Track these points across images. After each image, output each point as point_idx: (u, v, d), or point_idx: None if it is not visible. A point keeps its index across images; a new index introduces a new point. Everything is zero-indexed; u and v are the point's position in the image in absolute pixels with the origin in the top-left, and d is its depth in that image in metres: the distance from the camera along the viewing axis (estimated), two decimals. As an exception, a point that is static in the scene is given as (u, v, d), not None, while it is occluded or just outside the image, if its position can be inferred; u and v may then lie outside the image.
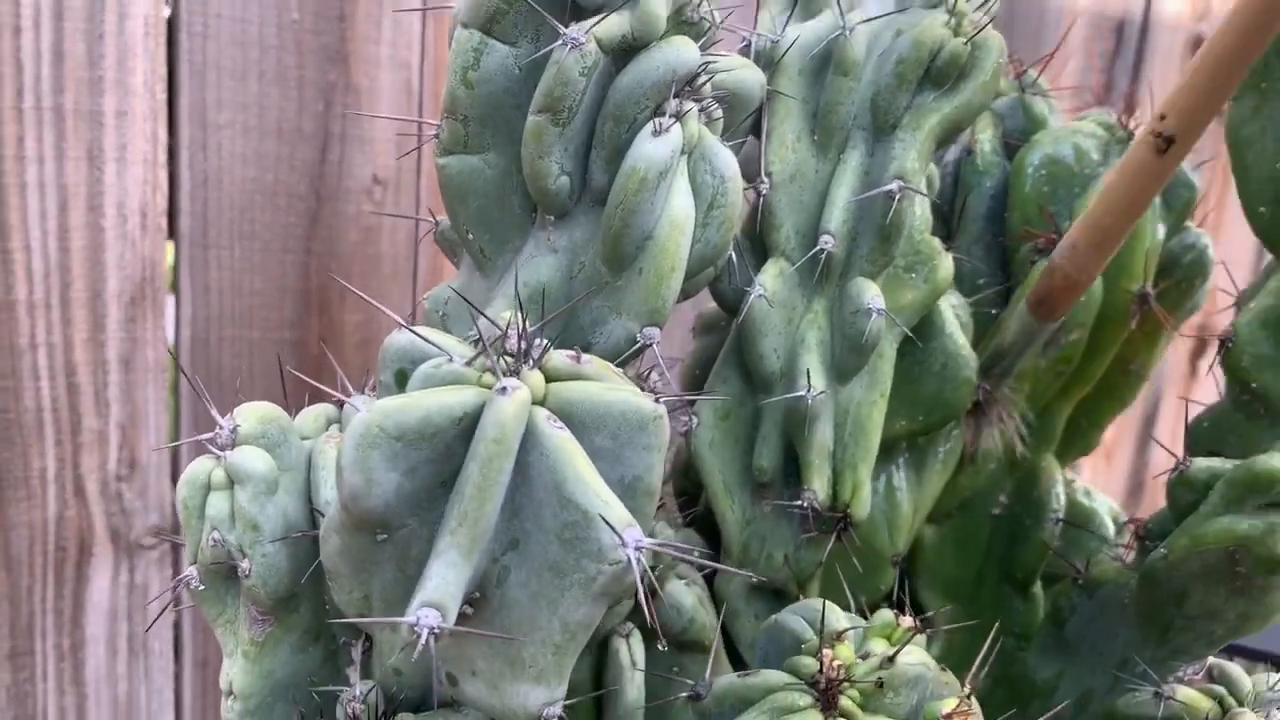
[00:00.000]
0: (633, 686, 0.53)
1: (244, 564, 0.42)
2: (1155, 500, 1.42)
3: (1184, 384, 1.43)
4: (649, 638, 0.54)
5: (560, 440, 0.39)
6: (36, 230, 0.78)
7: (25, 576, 0.83)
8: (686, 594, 0.56)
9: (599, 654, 0.54)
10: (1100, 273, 0.55)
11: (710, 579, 0.59)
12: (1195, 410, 0.59)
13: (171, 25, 0.81)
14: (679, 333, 0.96)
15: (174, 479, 0.88)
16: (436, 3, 0.85)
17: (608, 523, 0.37)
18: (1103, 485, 1.47)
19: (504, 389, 0.38)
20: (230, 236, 0.87)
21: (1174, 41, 1.44)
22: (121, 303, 0.84)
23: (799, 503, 0.54)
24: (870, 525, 0.57)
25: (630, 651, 0.53)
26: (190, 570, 0.43)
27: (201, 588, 0.44)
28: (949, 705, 0.42)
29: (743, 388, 0.56)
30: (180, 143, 0.83)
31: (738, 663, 0.58)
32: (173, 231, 0.84)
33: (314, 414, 0.47)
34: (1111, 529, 0.64)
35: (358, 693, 0.42)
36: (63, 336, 0.82)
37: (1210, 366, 0.57)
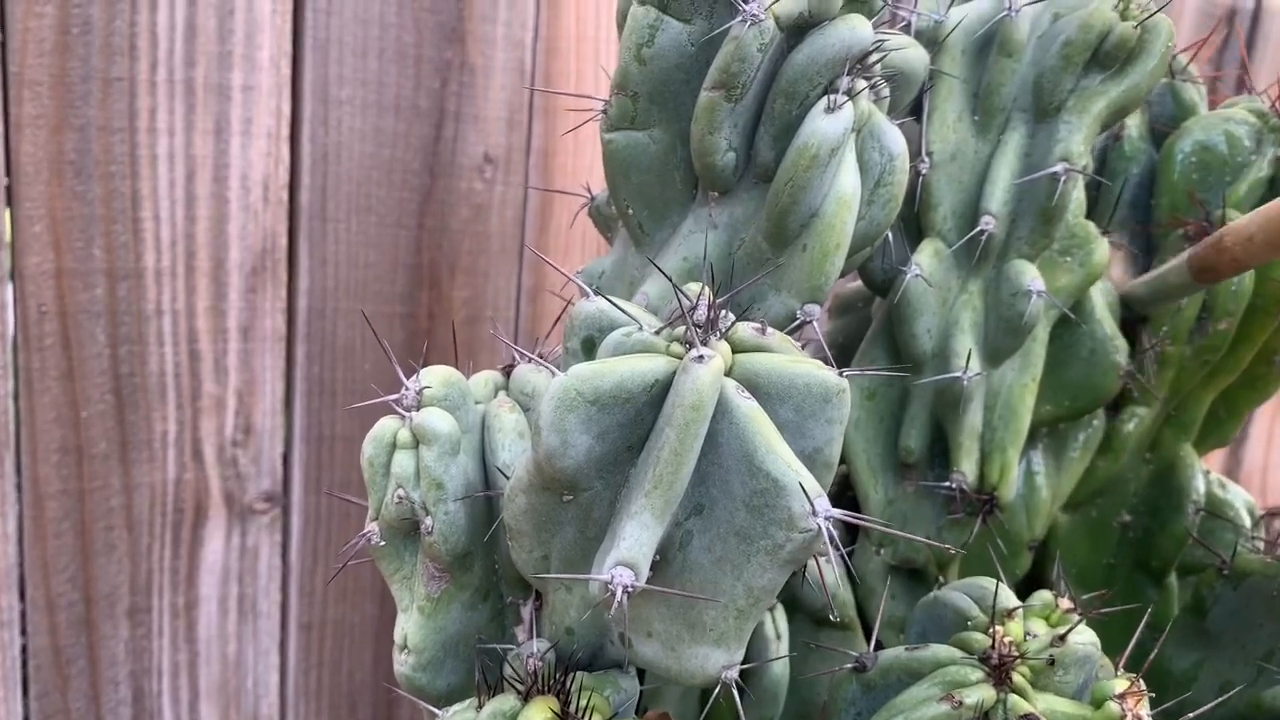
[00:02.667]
0: (777, 660, 0.53)
1: (427, 521, 0.43)
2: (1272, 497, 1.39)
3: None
4: (792, 611, 0.55)
5: (750, 410, 0.40)
6: (165, 200, 0.80)
7: (145, 536, 0.85)
8: (828, 571, 0.56)
9: (744, 626, 0.55)
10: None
11: (848, 558, 0.59)
12: None
13: (298, 3, 0.82)
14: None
15: (287, 446, 0.90)
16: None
17: (804, 490, 0.38)
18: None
19: (700, 356, 0.39)
20: (348, 210, 0.89)
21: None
22: (243, 273, 0.85)
23: (946, 484, 0.54)
24: (1009, 510, 0.57)
25: (776, 625, 0.54)
26: (371, 526, 0.45)
27: (382, 543, 0.45)
28: (1121, 685, 0.42)
29: (891, 368, 0.56)
30: (303, 117, 0.85)
31: (874, 643, 0.58)
32: (293, 205, 0.86)
33: (484, 379, 0.48)
34: (1248, 521, 0.64)
35: (535, 649, 0.43)
36: (186, 304, 0.84)
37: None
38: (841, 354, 0.60)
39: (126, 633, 0.85)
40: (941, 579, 0.56)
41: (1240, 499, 0.64)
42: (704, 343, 0.40)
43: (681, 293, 0.41)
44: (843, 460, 0.58)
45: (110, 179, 0.77)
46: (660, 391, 0.40)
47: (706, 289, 0.41)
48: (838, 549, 0.39)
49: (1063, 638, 0.42)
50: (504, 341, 0.49)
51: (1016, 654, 0.42)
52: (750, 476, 0.39)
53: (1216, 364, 0.61)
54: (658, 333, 0.41)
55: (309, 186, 0.85)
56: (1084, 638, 0.43)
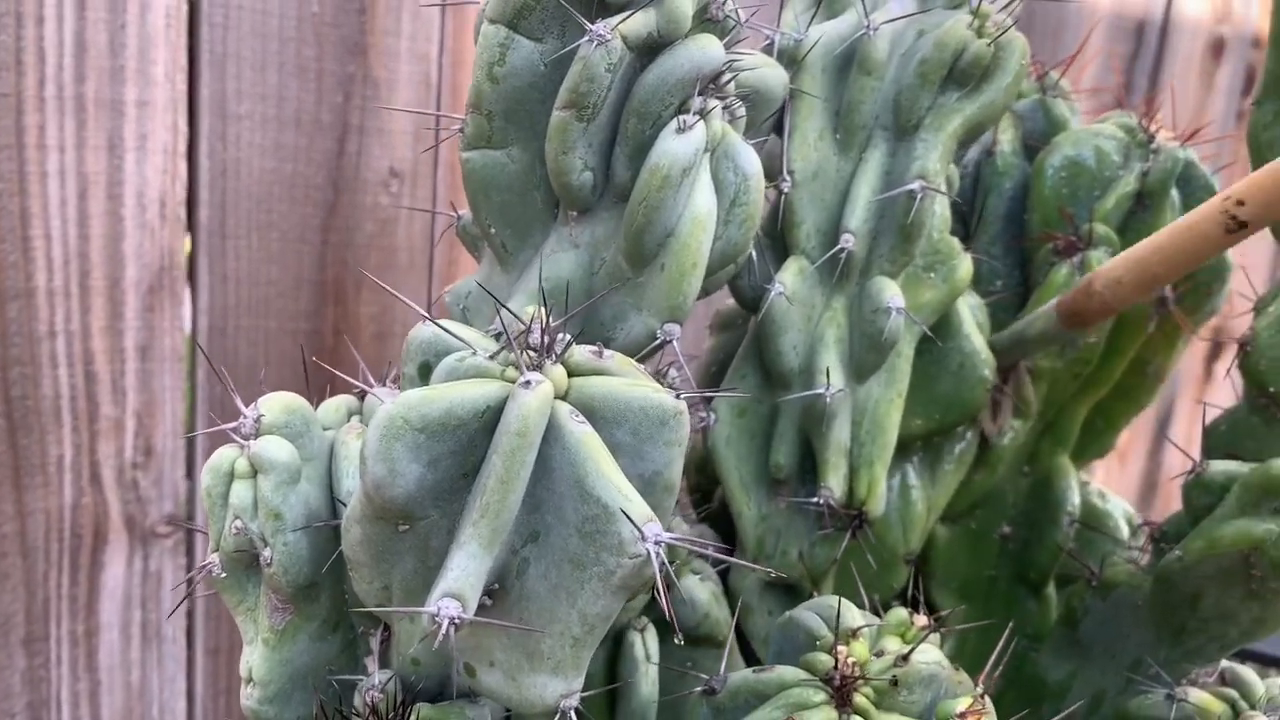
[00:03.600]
0: (647, 680, 0.53)
1: (266, 552, 0.43)
2: (1169, 503, 1.42)
3: (1199, 387, 1.43)
4: (664, 632, 0.55)
5: (582, 435, 0.39)
6: (57, 218, 0.79)
7: (41, 563, 0.84)
8: (701, 589, 0.56)
9: (614, 647, 0.55)
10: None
11: (725, 575, 0.59)
12: (1211, 414, 0.59)
13: (192, 16, 0.81)
14: (693, 330, 0.96)
15: (190, 467, 0.88)
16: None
17: (629, 517, 0.38)
18: (1116, 488, 1.47)
19: (527, 382, 0.38)
20: (248, 227, 0.88)
21: (1194, 44, 1.44)
22: (139, 291, 0.84)
23: (815, 500, 0.54)
24: (884, 524, 0.58)
25: (645, 645, 0.54)
26: (212, 558, 0.44)
27: (223, 575, 0.44)
28: (963, 704, 0.42)
29: (760, 385, 0.56)
30: (200, 133, 0.84)
31: (751, 658, 0.58)
32: (191, 221, 0.84)
33: (335, 405, 0.48)
34: (1126, 532, 0.64)
35: (376, 682, 0.42)
36: (81, 324, 0.82)
37: (1228, 370, 0.57)
38: (722, 371, 0.60)
39: (23, 663, 0.83)
40: (816, 594, 0.56)
41: (1119, 509, 0.65)
42: (538, 367, 0.40)
43: (514, 315, 0.40)
44: (719, 478, 0.58)
45: (-2, 196, 0.76)
46: (492, 417, 0.39)
47: (540, 311, 0.41)
48: (664, 574, 0.38)
49: (905, 657, 0.42)
50: (360, 365, 0.48)
51: (858, 674, 0.42)
52: (582, 502, 0.39)
53: (1089, 376, 0.61)
54: (492, 357, 0.41)
55: (208, 203, 0.84)
56: (928, 657, 0.43)
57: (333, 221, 0.91)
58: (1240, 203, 0.46)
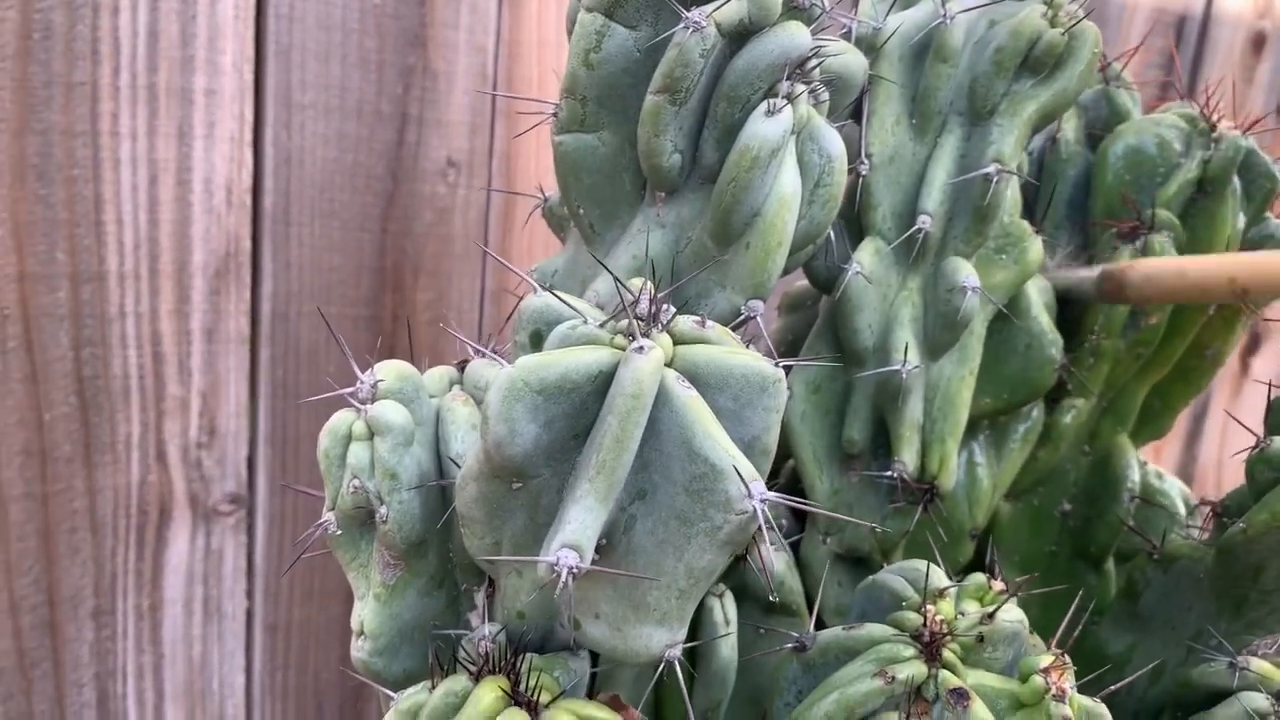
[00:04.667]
0: (726, 644, 0.55)
1: (382, 510, 0.45)
2: (1205, 492, 1.43)
3: (1235, 381, 1.44)
4: (741, 599, 0.57)
5: (689, 399, 0.41)
6: (128, 204, 0.81)
7: (109, 538, 0.86)
8: (776, 559, 0.58)
9: (695, 612, 0.57)
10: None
11: (795, 547, 0.61)
12: (1244, 418, 0.61)
13: (260, 8, 0.83)
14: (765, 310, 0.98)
15: (251, 447, 0.90)
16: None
17: (740, 474, 0.40)
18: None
19: (640, 348, 0.40)
20: (311, 214, 0.90)
21: (1235, 38, 1.45)
22: (206, 275, 0.86)
23: (888, 473, 0.56)
24: (951, 500, 0.59)
25: (725, 610, 0.56)
26: (328, 516, 0.46)
27: (339, 533, 0.46)
28: (1046, 659, 0.44)
29: (828, 359, 0.58)
30: (265, 122, 0.86)
31: (822, 628, 0.60)
32: (256, 209, 0.87)
33: (439, 374, 0.50)
34: (1184, 511, 0.66)
35: (487, 632, 0.44)
36: (150, 307, 0.84)
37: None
38: (791, 350, 0.62)
39: (91, 635, 0.86)
40: (885, 566, 0.58)
41: (1176, 489, 0.67)
42: (645, 335, 0.42)
43: (624, 286, 0.42)
44: (792, 453, 0.60)
45: (73, 183, 0.78)
46: (604, 382, 0.41)
47: (649, 284, 0.43)
48: (773, 529, 0.40)
49: (991, 616, 0.44)
50: (457, 336, 0.50)
51: (946, 631, 0.44)
52: (690, 462, 0.41)
53: (1149, 357, 0.63)
54: (602, 326, 0.43)
55: (272, 190, 0.86)
56: (1011, 616, 0.45)
57: (392, 210, 0.93)
58: (1245, 290, 0.49)
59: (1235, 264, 0.49)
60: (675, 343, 0.43)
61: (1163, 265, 0.56)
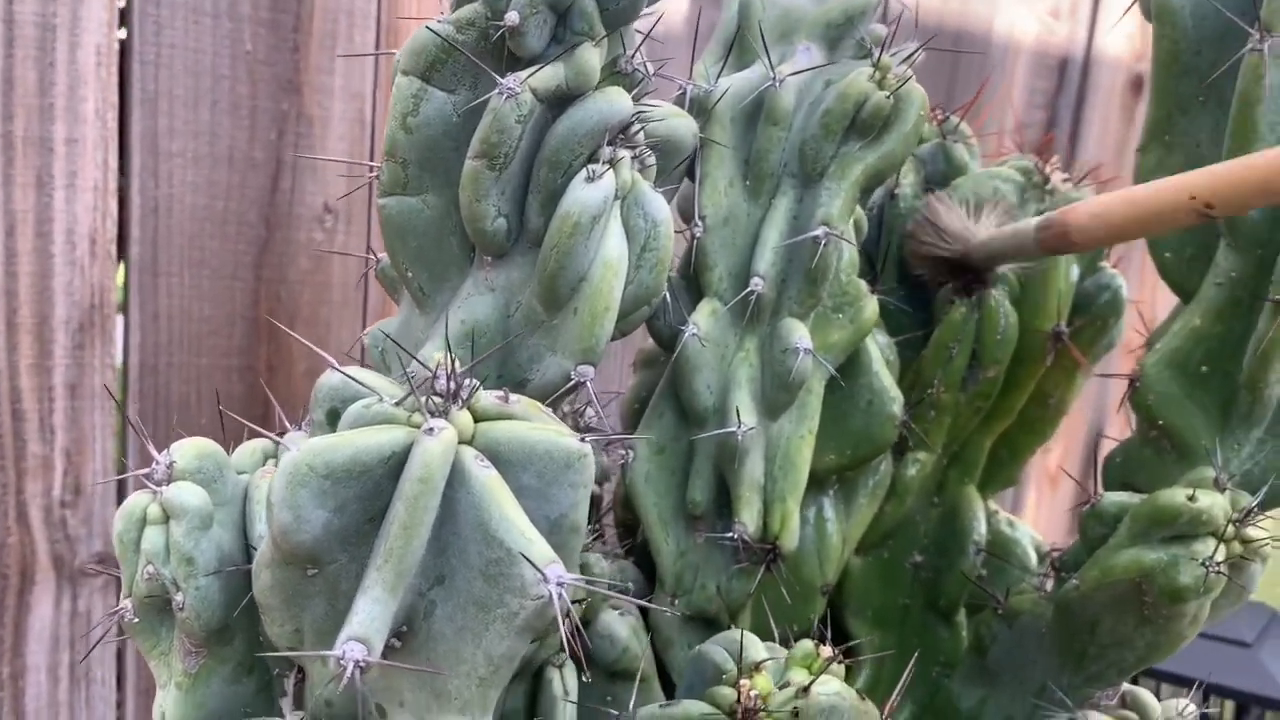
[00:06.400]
0: (564, 717, 0.54)
1: (178, 597, 0.43)
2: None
3: (1126, 417, 1.47)
4: (584, 668, 0.56)
5: (486, 479, 0.40)
6: (-15, 256, 0.78)
7: (-33, 603, 0.82)
8: (620, 624, 0.57)
9: (534, 683, 0.56)
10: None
11: (645, 610, 0.60)
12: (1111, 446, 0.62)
13: (124, 54, 0.82)
14: (619, 368, 0.97)
15: (120, 505, 0.88)
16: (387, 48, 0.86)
17: (530, 560, 0.39)
18: (1048, 509, 1.50)
19: (430, 429, 0.39)
20: (180, 263, 0.88)
21: (1115, 80, 1.49)
22: (69, 329, 0.84)
23: (730, 534, 0.55)
24: (800, 556, 0.59)
25: (564, 681, 0.55)
26: (125, 603, 0.44)
27: (136, 620, 0.44)
28: (861, 736, 0.43)
29: (677, 423, 0.58)
30: (131, 170, 0.84)
31: (672, 691, 0.59)
32: (123, 258, 0.84)
33: (251, 449, 0.48)
34: (1034, 559, 0.67)
35: (288, 723, 0.43)
36: (8, 362, 0.81)
37: (1120, 404, 0.60)
38: (645, 407, 0.62)
39: (-52, 705, 0.82)
40: (733, 627, 0.57)
41: (1027, 537, 0.67)
42: (444, 413, 0.41)
43: (420, 362, 0.41)
44: (637, 514, 0.60)
45: (-77, 235, 0.75)
46: (398, 463, 0.40)
47: (446, 357, 0.42)
48: (568, 617, 0.39)
49: (806, 689, 0.44)
50: (274, 405, 0.48)
51: (760, 707, 0.43)
52: (485, 546, 0.40)
53: (990, 409, 0.64)
54: (399, 403, 0.42)
55: (139, 240, 0.84)
56: (829, 689, 0.44)
57: (266, 258, 0.91)
58: (1209, 205, 0.48)
59: (1193, 180, 0.48)
60: (477, 419, 0.42)
61: (1109, 200, 0.54)
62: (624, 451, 0.59)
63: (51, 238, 0.81)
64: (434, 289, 0.53)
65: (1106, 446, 0.63)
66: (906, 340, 0.63)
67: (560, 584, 0.39)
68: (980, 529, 0.65)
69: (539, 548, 0.39)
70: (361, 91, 0.93)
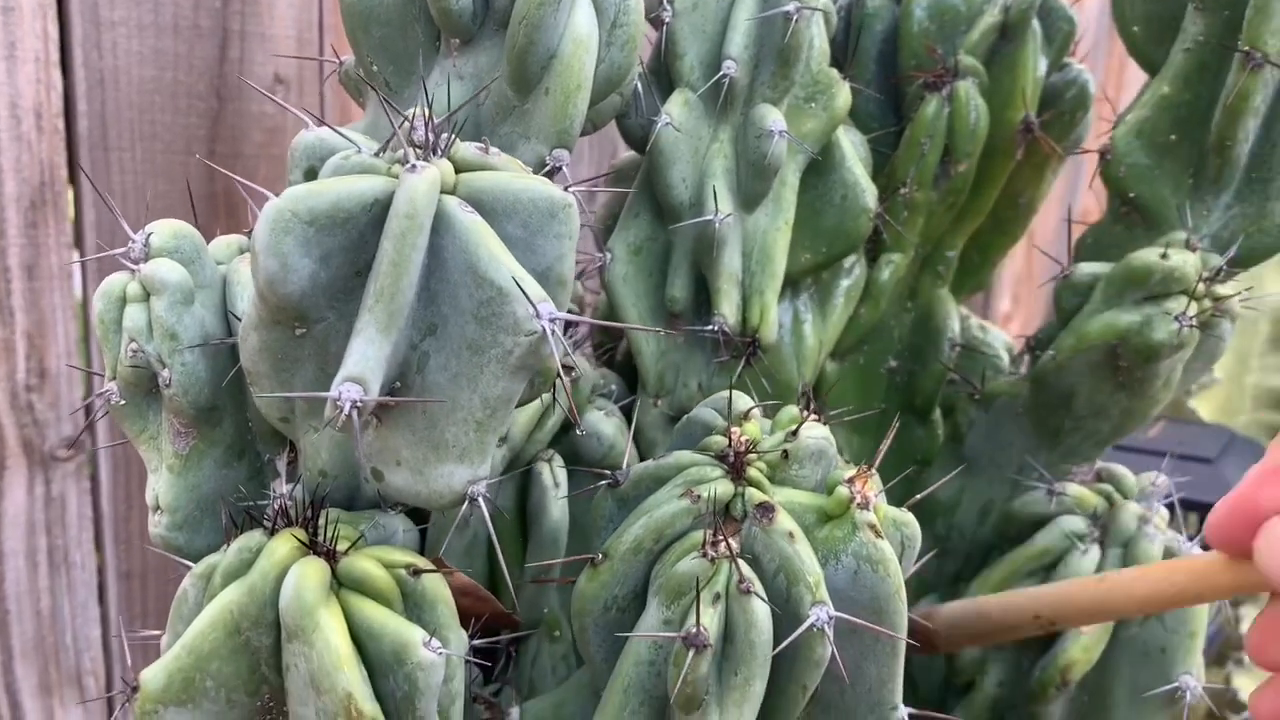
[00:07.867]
0: (555, 506, 0.54)
1: (164, 373, 0.42)
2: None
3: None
4: (574, 463, 0.56)
5: (472, 222, 0.40)
6: (-78, 132, 0.76)
7: (-65, 491, 0.81)
8: (606, 423, 0.57)
9: (524, 479, 0.56)
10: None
11: (628, 411, 0.60)
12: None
13: (60, -83, 0.78)
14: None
15: (87, 389, 0.86)
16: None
17: (525, 294, 0.39)
18: (1028, 307, 1.52)
19: (413, 167, 0.39)
20: (131, 138, 0.85)
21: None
22: (20, 208, 0.81)
23: (710, 328, 0.56)
24: (778, 358, 0.60)
25: (553, 473, 0.55)
26: (110, 385, 0.43)
27: (122, 402, 0.44)
28: (851, 471, 0.44)
29: (653, 221, 0.58)
30: (73, 40, 0.81)
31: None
32: (70, 134, 0.82)
33: (225, 241, 0.48)
34: (1007, 361, 0.68)
35: (284, 490, 0.43)
36: (-41, 245, 0.79)
37: (1090, 181, 0.61)
38: (617, 219, 0.61)
39: (-76, 596, 0.81)
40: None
41: (1000, 340, 0.69)
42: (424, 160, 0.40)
43: (398, 111, 0.41)
44: (618, 316, 0.60)
45: None
46: (381, 211, 0.40)
47: (425, 109, 0.41)
48: (565, 350, 0.40)
49: (794, 433, 0.44)
50: (243, 189, 0.47)
51: (750, 449, 0.44)
52: (476, 287, 0.40)
53: (963, 207, 0.64)
54: (377, 154, 0.41)
55: (86, 114, 0.81)
56: (816, 432, 0.45)
57: (219, 131, 0.89)
58: (1051, 622, 0.50)
59: (1036, 599, 0.50)
60: (458, 170, 0.42)
61: (964, 608, 0.55)
62: (599, 254, 0.58)
63: (-5, 112, 0.78)
64: (400, 83, 0.52)
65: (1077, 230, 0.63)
66: (876, 139, 0.63)
67: (553, 319, 0.40)
68: (955, 327, 0.66)
69: (531, 285, 0.39)
70: (308, -48, 0.90)
